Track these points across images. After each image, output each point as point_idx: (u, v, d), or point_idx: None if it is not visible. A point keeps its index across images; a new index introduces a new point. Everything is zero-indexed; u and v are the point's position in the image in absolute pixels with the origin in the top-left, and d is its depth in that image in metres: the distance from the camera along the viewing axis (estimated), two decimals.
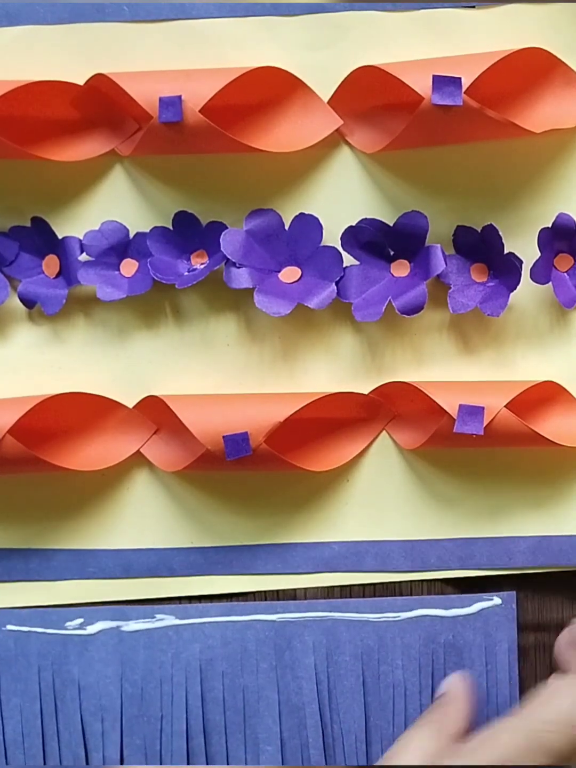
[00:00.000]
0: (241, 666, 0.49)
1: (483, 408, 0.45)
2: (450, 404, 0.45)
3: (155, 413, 0.49)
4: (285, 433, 0.47)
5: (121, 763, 0.49)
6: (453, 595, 0.49)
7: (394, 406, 0.49)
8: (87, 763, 0.49)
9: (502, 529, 0.49)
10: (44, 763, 0.49)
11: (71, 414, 0.48)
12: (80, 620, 0.50)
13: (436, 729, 0.44)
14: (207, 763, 0.49)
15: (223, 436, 0.46)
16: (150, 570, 0.50)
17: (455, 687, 0.47)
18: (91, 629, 0.50)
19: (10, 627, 0.50)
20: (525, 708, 0.44)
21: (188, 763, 0.49)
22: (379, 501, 0.49)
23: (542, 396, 0.47)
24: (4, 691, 0.50)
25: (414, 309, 0.47)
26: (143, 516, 0.50)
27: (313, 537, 0.50)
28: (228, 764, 0.49)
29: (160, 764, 0.49)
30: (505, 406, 0.45)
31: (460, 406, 0.45)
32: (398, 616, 0.49)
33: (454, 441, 0.46)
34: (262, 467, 0.48)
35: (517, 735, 0.42)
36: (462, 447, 0.48)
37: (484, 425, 0.45)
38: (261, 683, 0.49)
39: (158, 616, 0.50)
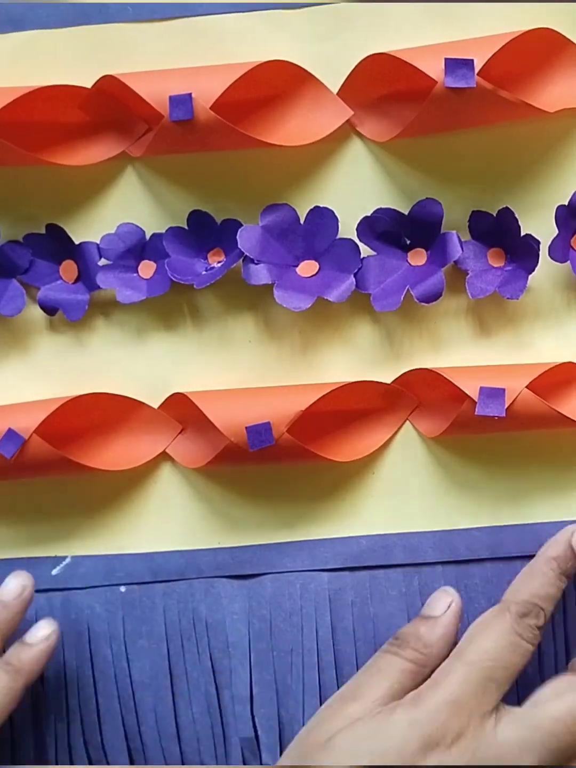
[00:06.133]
0: (370, 594, 0.49)
1: (504, 390, 0.45)
2: (471, 388, 0.45)
3: (178, 412, 0.49)
4: (307, 425, 0.47)
5: (251, 699, 0.49)
6: None
7: (415, 394, 0.49)
8: (218, 700, 0.49)
9: (529, 515, 0.49)
10: (174, 704, 0.49)
11: (95, 415, 0.48)
12: None
13: None
14: None
15: (246, 427, 0.46)
16: (179, 572, 0.50)
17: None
18: None
19: None
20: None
21: (321, 695, 0.48)
22: (406, 492, 0.49)
23: (562, 377, 0.47)
24: (129, 634, 0.50)
25: (432, 296, 0.47)
26: (168, 517, 0.50)
27: (340, 532, 0.49)
28: None
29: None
30: (525, 387, 0.45)
31: (481, 388, 0.45)
32: None
33: (477, 427, 0.46)
34: (285, 459, 0.48)
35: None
36: (485, 433, 0.48)
37: (506, 407, 0.45)
38: (390, 611, 0.49)
39: None
